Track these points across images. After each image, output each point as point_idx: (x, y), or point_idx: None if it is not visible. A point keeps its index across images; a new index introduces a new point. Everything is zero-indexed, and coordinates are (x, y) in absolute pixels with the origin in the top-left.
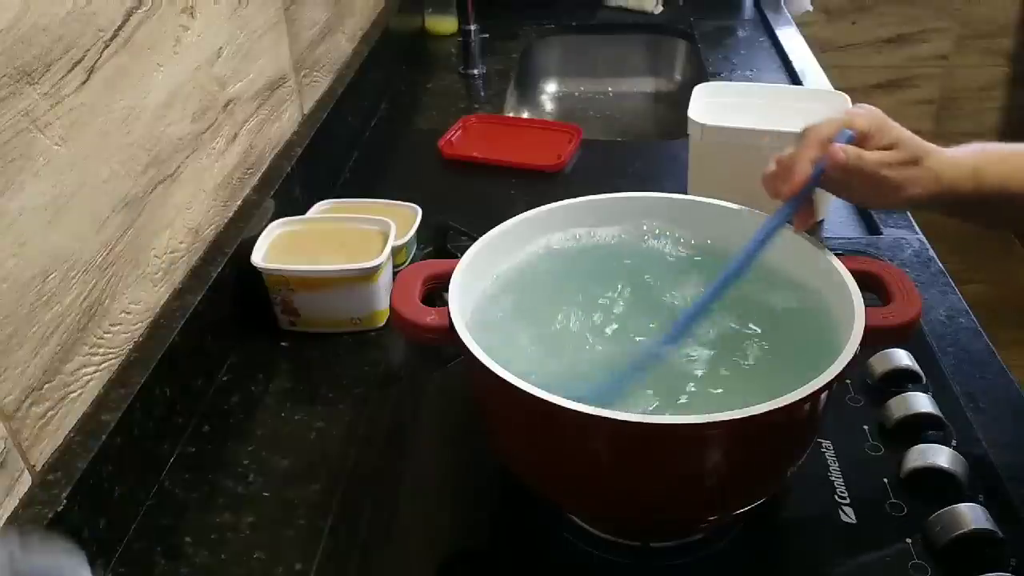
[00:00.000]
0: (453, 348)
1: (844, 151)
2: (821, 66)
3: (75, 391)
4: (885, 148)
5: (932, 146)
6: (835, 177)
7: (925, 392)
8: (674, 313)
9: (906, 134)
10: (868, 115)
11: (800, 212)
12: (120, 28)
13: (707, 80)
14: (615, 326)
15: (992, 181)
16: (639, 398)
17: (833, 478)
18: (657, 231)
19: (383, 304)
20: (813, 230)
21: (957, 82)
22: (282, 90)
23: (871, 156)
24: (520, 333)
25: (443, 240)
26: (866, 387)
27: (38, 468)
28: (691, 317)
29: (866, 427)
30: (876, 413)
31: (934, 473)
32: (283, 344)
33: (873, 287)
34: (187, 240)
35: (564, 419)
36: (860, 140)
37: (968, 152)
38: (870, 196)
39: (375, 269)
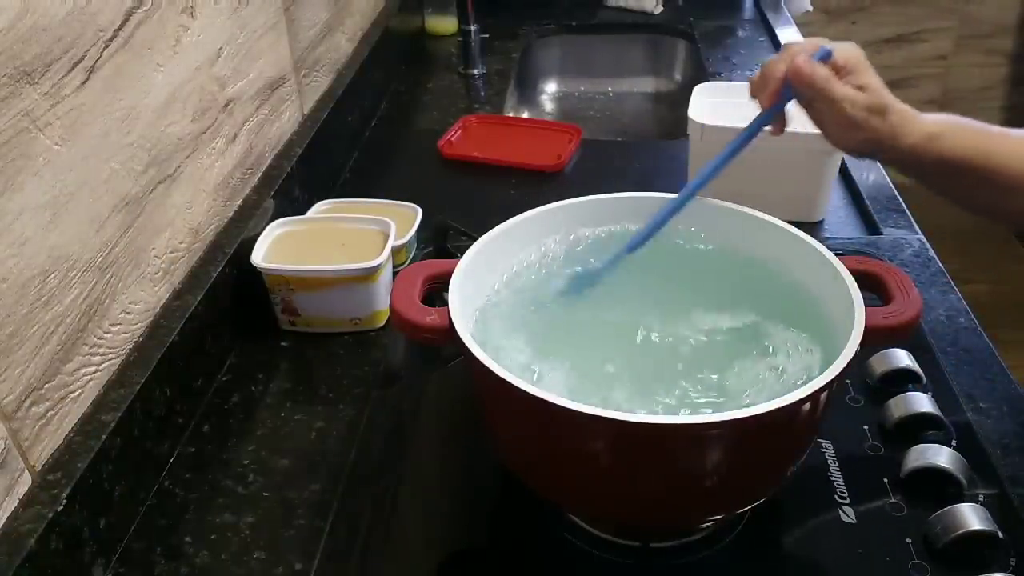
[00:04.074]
0: (453, 348)
1: (811, 66)
2: None
3: (75, 391)
4: (857, 88)
5: (901, 104)
6: (803, 93)
7: (925, 392)
8: (674, 312)
9: (878, 82)
10: (849, 49)
11: (774, 122)
12: (120, 28)
13: (707, 80)
14: (616, 325)
15: (949, 150)
16: (642, 401)
17: (833, 478)
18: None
19: (383, 304)
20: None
21: (957, 82)
22: (282, 90)
23: (839, 88)
24: (520, 333)
25: (443, 240)
26: (866, 387)
27: (38, 468)
28: (657, 224)
29: (866, 427)
30: (876, 413)
31: (934, 473)
32: (283, 344)
33: (873, 287)
34: (187, 240)
35: (564, 419)
36: (834, 71)
37: (934, 119)
38: (828, 127)
39: (375, 269)
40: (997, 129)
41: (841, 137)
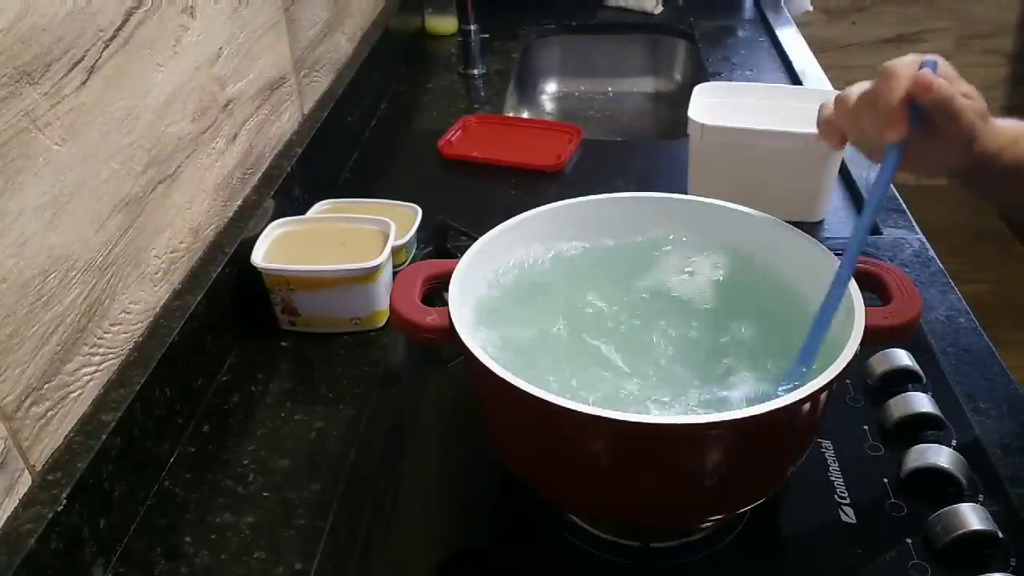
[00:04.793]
0: (453, 348)
1: (939, 80)
2: (821, 66)
3: (75, 391)
4: (964, 96)
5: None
6: (934, 114)
7: (925, 392)
8: (674, 312)
9: (972, 86)
10: (943, 60)
11: (906, 156)
12: (120, 28)
13: (707, 80)
14: (616, 325)
15: None
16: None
17: (833, 478)
18: (657, 231)
19: (383, 304)
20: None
21: None
22: (282, 90)
23: (960, 99)
24: (520, 333)
25: (443, 240)
26: (866, 387)
27: (38, 468)
28: (821, 327)
29: (866, 427)
30: (876, 413)
31: (934, 473)
32: (283, 344)
33: (873, 287)
34: (187, 240)
35: (564, 419)
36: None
37: (1011, 123)
38: (951, 148)
39: (375, 269)
40: None
41: (957, 156)
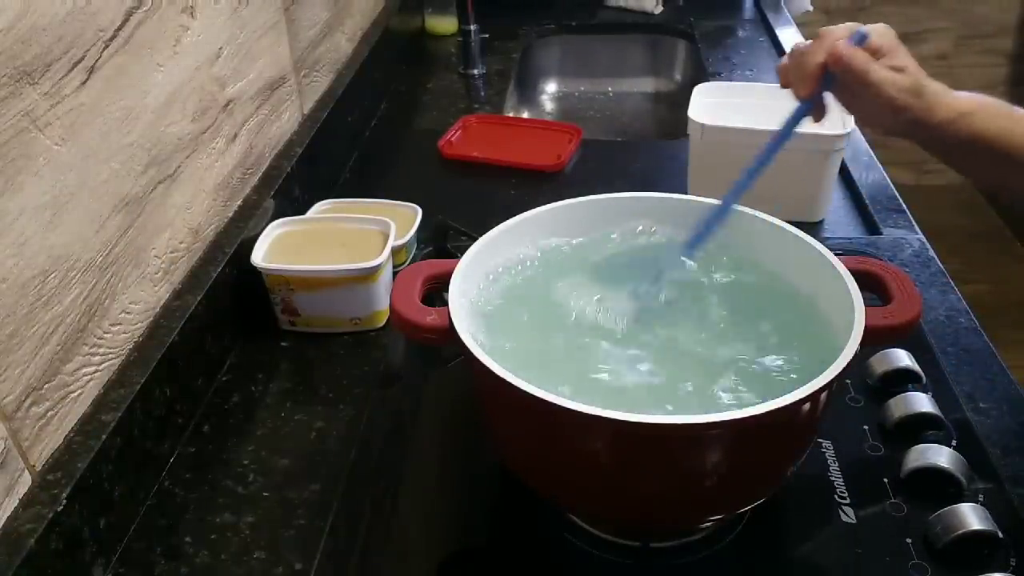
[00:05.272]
0: (453, 348)
1: (851, 50)
2: None
3: (75, 391)
4: (895, 69)
5: (935, 82)
6: (846, 82)
7: (925, 392)
8: (675, 312)
9: (913, 62)
10: (883, 31)
11: (815, 109)
12: (120, 28)
13: (707, 80)
14: (616, 325)
15: (980, 127)
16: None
17: (833, 478)
18: (657, 231)
19: (383, 304)
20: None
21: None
22: (282, 90)
23: (882, 72)
24: (520, 333)
25: (443, 240)
26: (866, 387)
27: (38, 468)
28: (709, 224)
29: (866, 427)
30: (876, 413)
31: (934, 473)
32: (283, 344)
33: (873, 287)
34: (187, 240)
35: (564, 419)
36: (871, 53)
37: (967, 96)
38: (871, 113)
39: (375, 269)
40: None
41: (879, 119)
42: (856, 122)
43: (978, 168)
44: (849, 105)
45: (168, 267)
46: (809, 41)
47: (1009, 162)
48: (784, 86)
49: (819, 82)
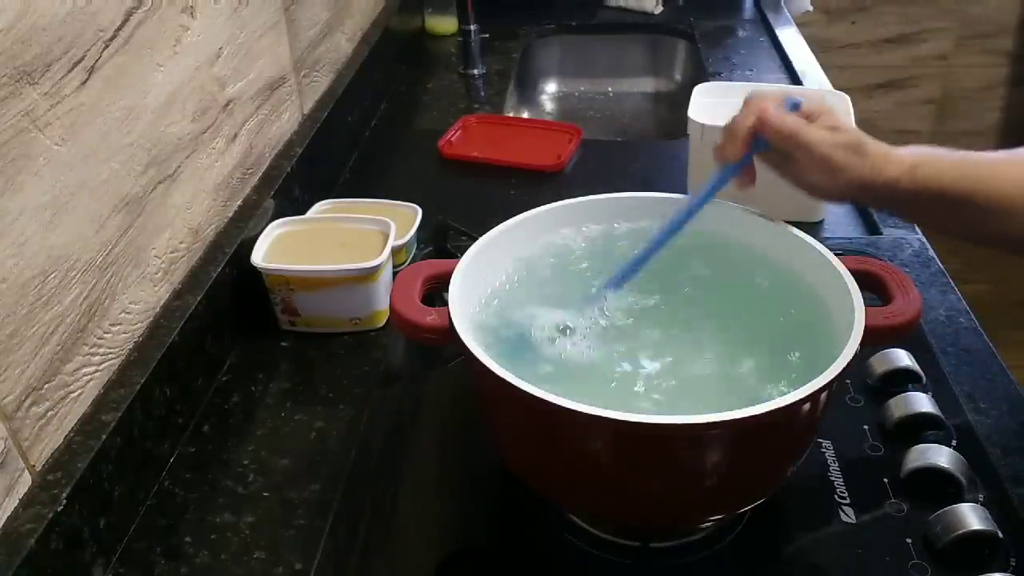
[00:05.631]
0: (453, 348)
1: (781, 114)
2: (821, 66)
3: (75, 391)
4: (830, 128)
5: (872, 139)
6: (778, 147)
7: (925, 392)
8: (676, 311)
9: (847, 122)
10: (816, 98)
11: (742, 176)
12: (120, 28)
13: (707, 80)
14: (617, 324)
15: (932, 179)
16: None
17: (833, 478)
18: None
19: (383, 304)
20: (750, 192)
21: (957, 82)
22: (282, 90)
23: (815, 132)
24: (520, 332)
25: (443, 240)
26: (866, 387)
27: (38, 468)
28: (629, 270)
29: (866, 427)
30: (876, 413)
31: (934, 473)
32: (283, 344)
33: (873, 287)
34: (187, 240)
35: (564, 419)
36: (804, 118)
37: (909, 151)
38: (810, 175)
39: (375, 269)
40: (975, 155)
41: (823, 183)
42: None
43: (941, 220)
44: (785, 172)
45: (168, 267)
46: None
47: (971, 208)
48: (718, 160)
49: (748, 146)
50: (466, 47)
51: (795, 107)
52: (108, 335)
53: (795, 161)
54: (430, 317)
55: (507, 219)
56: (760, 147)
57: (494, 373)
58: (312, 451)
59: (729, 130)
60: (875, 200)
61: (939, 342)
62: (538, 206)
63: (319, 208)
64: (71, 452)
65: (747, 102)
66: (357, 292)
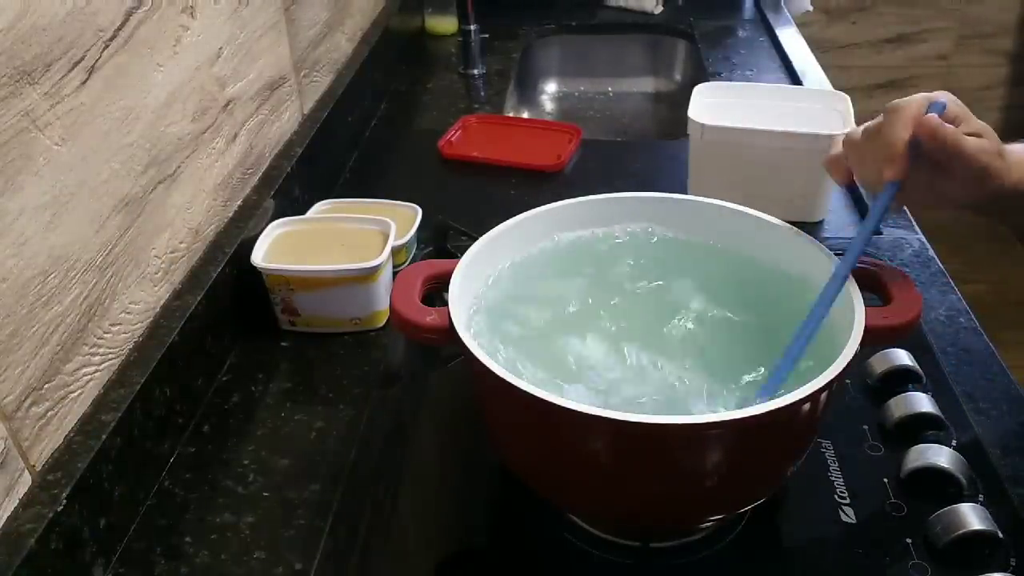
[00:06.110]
0: (453, 348)
1: (946, 127)
2: (821, 66)
3: (75, 391)
4: (974, 135)
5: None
6: (937, 158)
7: (925, 392)
8: (676, 312)
9: (985, 124)
10: (953, 99)
11: (899, 194)
12: (120, 28)
13: (707, 80)
14: (616, 326)
15: None
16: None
17: (833, 478)
18: (657, 231)
19: (383, 304)
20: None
21: (957, 82)
22: (282, 90)
23: (973, 141)
24: (520, 333)
25: (443, 240)
26: (866, 387)
27: (38, 468)
28: (801, 344)
29: (866, 427)
30: (876, 413)
31: (934, 473)
32: (283, 344)
33: (873, 287)
34: (187, 240)
35: (564, 419)
36: (949, 122)
37: (1020, 148)
38: (966, 186)
39: (375, 269)
40: None
41: (974, 194)
42: (912, 208)
43: None
44: (928, 183)
45: (168, 267)
46: (878, 119)
47: None
48: (843, 179)
49: (908, 159)
50: (466, 47)
51: (942, 109)
52: (108, 335)
53: (947, 172)
54: (430, 317)
55: (507, 219)
56: (917, 159)
57: (494, 373)
58: (312, 451)
59: (881, 145)
60: (998, 203)
61: (939, 342)
62: (538, 206)
63: (319, 208)
64: (71, 452)
65: (894, 110)
66: (357, 292)
